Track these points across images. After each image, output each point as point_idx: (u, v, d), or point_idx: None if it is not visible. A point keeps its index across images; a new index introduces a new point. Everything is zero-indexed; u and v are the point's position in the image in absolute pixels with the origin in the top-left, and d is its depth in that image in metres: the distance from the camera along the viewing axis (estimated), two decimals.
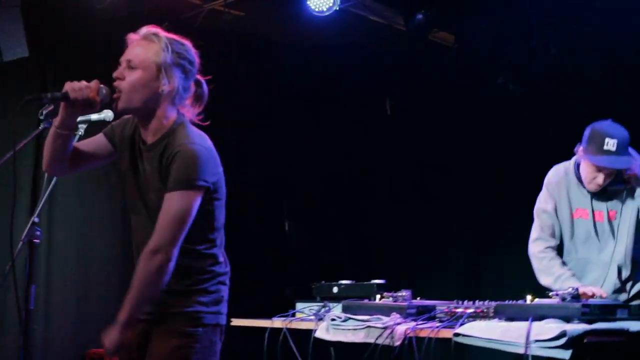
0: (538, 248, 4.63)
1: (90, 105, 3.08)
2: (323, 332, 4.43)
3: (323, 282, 5.22)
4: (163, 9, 6.74)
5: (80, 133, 4.09)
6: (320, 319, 4.58)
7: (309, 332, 4.57)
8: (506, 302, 4.04)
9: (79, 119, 4.09)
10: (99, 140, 3.32)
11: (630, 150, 4.43)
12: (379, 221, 7.59)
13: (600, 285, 4.41)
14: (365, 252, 7.46)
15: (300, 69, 7.27)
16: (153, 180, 3.12)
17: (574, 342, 3.53)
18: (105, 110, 4.13)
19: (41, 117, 4.02)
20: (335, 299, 4.96)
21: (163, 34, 3.15)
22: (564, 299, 3.84)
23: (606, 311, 3.81)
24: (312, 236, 7.60)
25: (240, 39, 7.11)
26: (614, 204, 4.48)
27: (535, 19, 6.40)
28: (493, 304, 4.09)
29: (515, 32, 6.54)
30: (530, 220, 6.55)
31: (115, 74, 3.11)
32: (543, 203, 4.66)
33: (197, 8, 6.96)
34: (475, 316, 4.08)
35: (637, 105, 5.92)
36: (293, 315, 4.87)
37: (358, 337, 4.30)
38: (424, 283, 6.39)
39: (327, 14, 6.28)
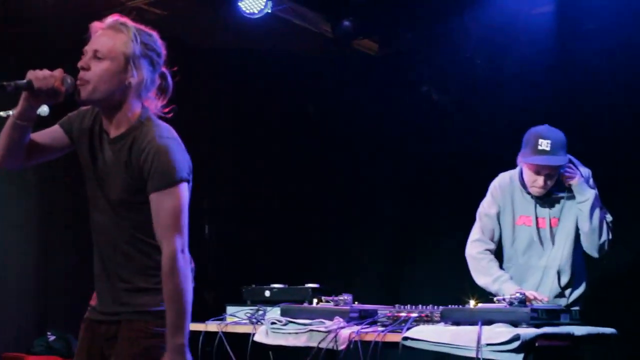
0: (477, 249, 4.70)
1: (54, 95, 2.93)
2: (262, 336, 4.34)
3: (254, 285, 5.15)
4: (86, 6, 6.54)
5: None
6: (258, 322, 4.52)
7: (244, 336, 4.48)
8: (451, 306, 4.07)
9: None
10: (54, 131, 3.15)
11: (572, 158, 4.55)
12: (294, 225, 7.54)
13: (538, 289, 4.50)
14: (281, 255, 7.40)
15: (223, 71, 7.20)
16: (116, 172, 3.00)
17: (525, 346, 3.57)
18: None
19: None
20: (268, 302, 4.90)
21: (131, 24, 3.04)
22: (511, 304, 3.89)
23: (552, 316, 3.89)
24: (232, 239, 7.51)
25: (162, 39, 6.97)
26: (556, 211, 4.59)
27: (460, 28, 6.48)
28: (436, 308, 4.11)
29: (440, 42, 6.61)
30: (450, 227, 6.68)
31: (80, 64, 2.97)
32: (486, 207, 4.73)
33: (120, 5, 6.78)
34: (419, 320, 4.08)
35: (565, 112, 6.07)
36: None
37: (300, 341, 4.24)
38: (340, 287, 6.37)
39: (257, 16, 6.21)
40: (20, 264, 6.43)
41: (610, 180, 5.18)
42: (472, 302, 4.12)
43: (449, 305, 4.09)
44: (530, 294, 4.24)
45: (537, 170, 4.50)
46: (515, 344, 3.55)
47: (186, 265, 2.92)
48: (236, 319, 4.75)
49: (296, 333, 4.27)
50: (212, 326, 4.63)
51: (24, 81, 2.91)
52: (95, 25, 3.05)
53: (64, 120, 3.18)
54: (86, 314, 3.19)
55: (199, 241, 7.38)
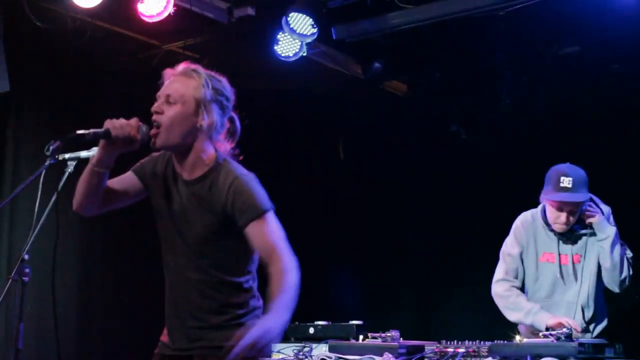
0: (502, 288, 4.80)
1: (131, 143, 3.08)
2: None
3: (297, 322, 5.25)
4: (122, 47, 6.72)
5: (70, 170, 4.07)
6: (305, 359, 4.62)
7: None
8: (498, 341, 4.18)
9: (69, 155, 4.09)
10: (128, 178, 3.29)
11: (593, 197, 4.67)
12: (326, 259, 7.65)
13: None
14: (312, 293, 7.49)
15: (254, 112, 7.33)
16: (196, 213, 3.10)
17: None
18: (94, 148, 4.14)
19: (47, 153, 4.01)
20: (312, 339, 5.00)
21: (202, 70, 3.18)
22: (558, 339, 4.00)
23: (598, 350, 4.00)
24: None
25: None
26: (579, 248, 4.69)
27: (487, 69, 6.63)
28: (483, 344, 4.22)
29: (467, 82, 6.77)
30: (480, 265, 6.78)
31: (154, 109, 3.12)
32: (509, 247, 4.85)
33: (155, 48, 6.96)
34: (467, 356, 4.20)
35: (591, 149, 6.20)
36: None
37: None
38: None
39: (292, 59, 6.36)
40: (62, 300, 6.51)
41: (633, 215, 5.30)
42: (517, 338, 4.24)
43: (495, 341, 4.21)
44: (564, 320, 4.38)
45: (560, 207, 4.61)
46: None
47: (296, 277, 2.98)
48: (282, 355, 4.85)
49: None
50: None
51: (102, 130, 3.07)
52: (168, 72, 3.20)
53: (137, 167, 3.31)
54: (157, 349, 3.29)
55: None
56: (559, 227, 4.66)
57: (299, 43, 6.34)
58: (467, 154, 6.99)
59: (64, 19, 6.08)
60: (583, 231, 4.68)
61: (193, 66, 3.21)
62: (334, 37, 6.19)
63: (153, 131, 3.11)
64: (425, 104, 7.12)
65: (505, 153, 6.73)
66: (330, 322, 5.13)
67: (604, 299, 4.78)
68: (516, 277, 4.82)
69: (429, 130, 7.13)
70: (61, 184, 4.03)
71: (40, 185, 3.91)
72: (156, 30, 6.45)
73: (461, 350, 4.22)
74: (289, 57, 6.37)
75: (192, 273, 3.12)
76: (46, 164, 3.96)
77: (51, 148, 3.97)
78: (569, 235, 4.69)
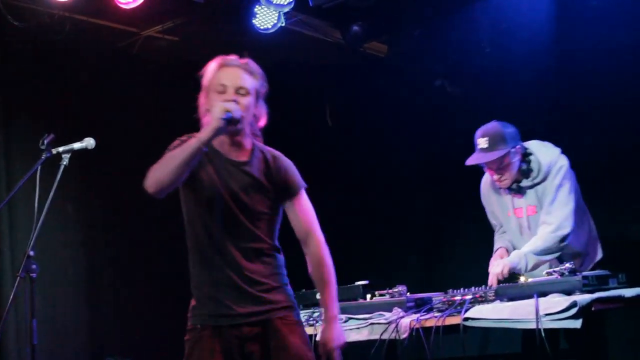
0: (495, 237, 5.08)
1: (235, 124, 3.35)
2: None
3: (304, 290, 5.30)
4: (101, 37, 6.74)
5: (65, 163, 4.11)
6: (317, 323, 4.67)
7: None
8: (505, 284, 4.26)
9: (62, 148, 4.14)
10: None
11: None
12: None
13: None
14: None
15: None
16: (254, 189, 3.41)
17: (582, 312, 3.76)
18: (86, 139, 4.18)
19: (42, 147, 4.05)
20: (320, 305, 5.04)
21: (255, 64, 3.52)
22: (562, 274, 4.08)
23: (602, 281, 4.07)
24: None
25: (178, 65, 7.15)
26: (532, 200, 4.78)
27: (466, 20, 6.65)
28: (489, 288, 4.29)
29: (448, 35, 6.78)
30: (475, 217, 6.87)
31: (227, 98, 3.37)
32: (486, 209, 5.09)
33: (134, 35, 6.98)
34: (474, 301, 4.26)
35: (572, 96, 6.25)
36: None
37: (362, 335, 4.44)
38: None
39: (272, 31, 6.38)
40: (70, 295, 6.56)
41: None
42: (522, 278, 4.32)
43: (501, 284, 4.29)
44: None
45: (488, 167, 4.77)
46: (574, 311, 3.75)
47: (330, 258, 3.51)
48: None
49: (358, 328, 4.46)
50: None
51: (234, 116, 3.31)
52: (220, 63, 3.47)
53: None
54: (196, 322, 3.46)
55: None
56: (499, 184, 4.80)
57: (277, 14, 6.35)
58: (454, 107, 7.01)
59: (40, 15, 6.10)
60: (529, 183, 4.75)
61: (246, 60, 3.51)
62: (311, 4, 6.18)
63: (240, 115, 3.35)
64: (408, 62, 7.13)
65: (492, 102, 6.75)
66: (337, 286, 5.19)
67: (589, 235, 4.86)
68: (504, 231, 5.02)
69: (413, 88, 7.14)
70: (58, 176, 4.10)
71: (38, 181, 3.97)
72: (133, 17, 6.47)
73: (468, 297, 4.28)
74: (267, 29, 6.38)
75: (246, 243, 3.40)
76: (42, 157, 4.03)
77: (45, 142, 4.04)
78: (518, 189, 4.78)
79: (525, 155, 4.73)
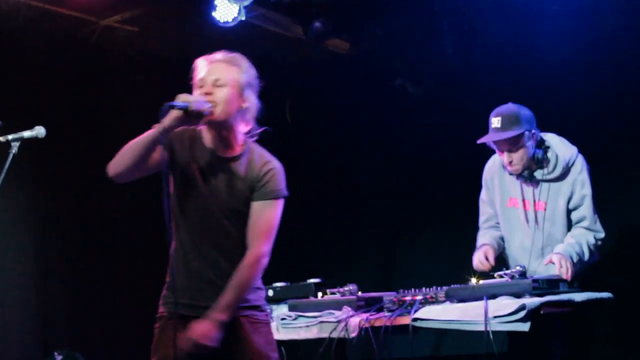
0: (478, 235, 4.91)
1: (198, 117, 3.30)
2: (274, 332, 4.46)
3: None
4: (59, 27, 6.63)
5: (14, 151, 4.03)
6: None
7: None
8: (454, 285, 4.23)
9: (12, 136, 4.06)
10: (157, 150, 3.37)
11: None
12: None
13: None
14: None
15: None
16: (232, 187, 3.40)
17: (531, 315, 3.74)
18: (36, 127, 4.10)
19: None
20: (272, 301, 5.00)
21: (239, 56, 3.48)
22: (512, 277, 4.06)
23: (552, 285, 4.06)
24: None
25: (136, 56, 7.06)
26: (542, 194, 4.64)
27: (426, 20, 6.63)
28: (440, 289, 4.26)
29: (410, 35, 6.76)
30: (435, 218, 6.87)
31: (203, 91, 3.34)
32: (482, 194, 4.91)
33: (92, 25, 6.87)
34: (425, 302, 4.23)
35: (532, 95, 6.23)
36: None
37: (312, 333, 4.40)
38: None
39: (232, 24, 6.31)
40: (20, 286, 6.46)
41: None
42: (473, 280, 4.29)
43: (452, 285, 4.26)
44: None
45: (499, 148, 4.62)
46: (522, 314, 3.73)
47: (262, 269, 3.42)
48: None
49: (307, 326, 4.43)
50: None
51: (181, 103, 3.24)
52: (205, 59, 3.44)
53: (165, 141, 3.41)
54: (164, 311, 3.46)
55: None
56: (510, 169, 4.64)
57: (237, 7, 6.28)
58: (415, 106, 6.99)
59: None
60: (543, 176, 4.62)
61: (232, 53, 3.47)
62: None
63: (212, 107, 3.31)
64: (369, 61, 7.09)
65: (453, 103, 6.74)
66: (289, 283, 5.15)
67: None
68: (497, 224, 4.87)
69: (373, 86, 7.12)
70: (6, 165, 4.01)
71: None
72: (91, 5, 6.38)
73: (419, 297, 4.25)
74: (227, 22, 6.31)
75: (224, 240, 3.40)
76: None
77: None
78: (530, 179, 4.65)
79: (542, 144, 4.60)
